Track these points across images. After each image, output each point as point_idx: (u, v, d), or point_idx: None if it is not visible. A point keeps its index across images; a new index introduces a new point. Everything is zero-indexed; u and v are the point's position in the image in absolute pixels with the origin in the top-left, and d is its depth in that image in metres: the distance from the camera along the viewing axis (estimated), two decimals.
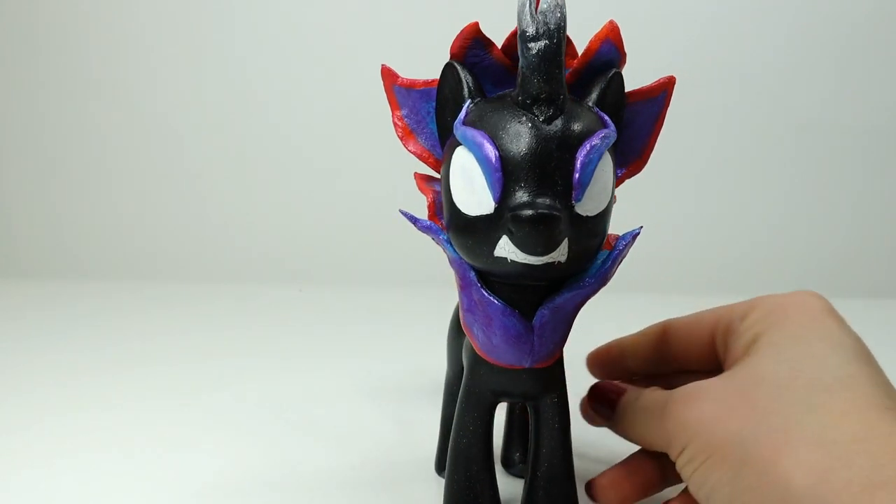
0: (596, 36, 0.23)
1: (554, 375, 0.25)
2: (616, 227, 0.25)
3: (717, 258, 0.88)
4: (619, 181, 0.26)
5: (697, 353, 0.29)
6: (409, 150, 0.26)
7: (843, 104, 0.89)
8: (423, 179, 0.26)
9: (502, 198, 0.21)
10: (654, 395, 0.26)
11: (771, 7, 0.87)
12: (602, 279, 0.23)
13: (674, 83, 0.25)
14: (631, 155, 0.26)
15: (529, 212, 0.20)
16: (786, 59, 0.88)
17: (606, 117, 0.23)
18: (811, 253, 0.88)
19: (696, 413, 0.23)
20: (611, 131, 0.22)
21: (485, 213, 0.21)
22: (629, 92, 0.25)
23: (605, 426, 0.30)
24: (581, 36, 0.25)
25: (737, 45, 0.88)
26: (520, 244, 0.20)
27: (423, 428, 0.40)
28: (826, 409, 0.20)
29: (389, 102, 0.26)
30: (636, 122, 0.25)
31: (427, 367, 0.45)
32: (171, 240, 0.91)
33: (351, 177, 0.89)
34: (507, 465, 0.34)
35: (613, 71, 0.23)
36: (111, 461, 0.35)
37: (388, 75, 0.26)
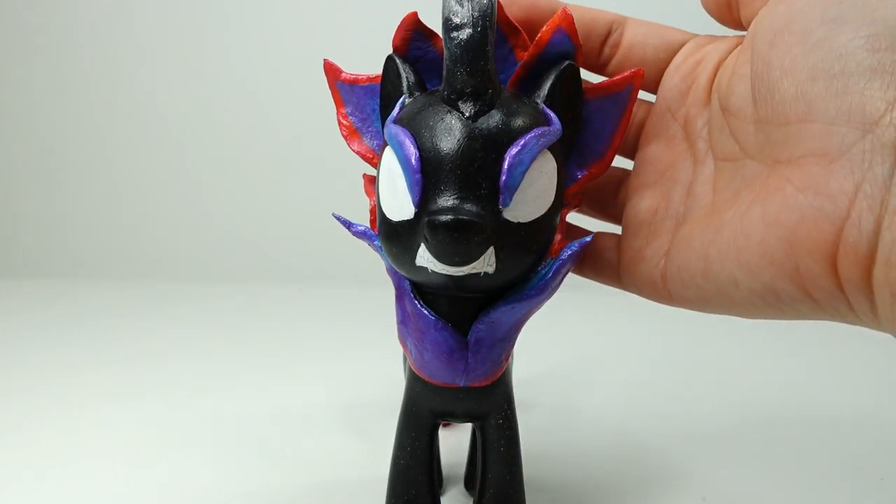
0: (547, 25, 0.21)
1: (496, 395, 0.23)
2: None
3: None
4: (579, 184, 0.23)
5: None
6: (354, 151, 0.24)
7: None
8: (369, 181, 0.25)
9: (422, 202, 0.19)
10: None
11: None
12: (543, 291, 0.21)
13: (641, 77, 0.23)
14: (591, 156, 0.23)
15: (443, 218, 0.18)
16: None
17: (551, 114, 0.20)
18: None
19: None
20: (551, 129, 0.20)
21: (406, 218, 0.19)
22: (589, 87, 0.23)
23: None
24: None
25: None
26: (435, 253, 0.19)
27: None
28: None
29: (334, 99, 0.25)
30: (597, 120, 0.23)
31: None
32: (172, 240, 0.91)
33: (351, 177, 0.88)
34: (471, 486, 0.32)
35: (566, 63, 0.21)
36: (110, 459, 0.35)
37: (330, 70, 0.24)
